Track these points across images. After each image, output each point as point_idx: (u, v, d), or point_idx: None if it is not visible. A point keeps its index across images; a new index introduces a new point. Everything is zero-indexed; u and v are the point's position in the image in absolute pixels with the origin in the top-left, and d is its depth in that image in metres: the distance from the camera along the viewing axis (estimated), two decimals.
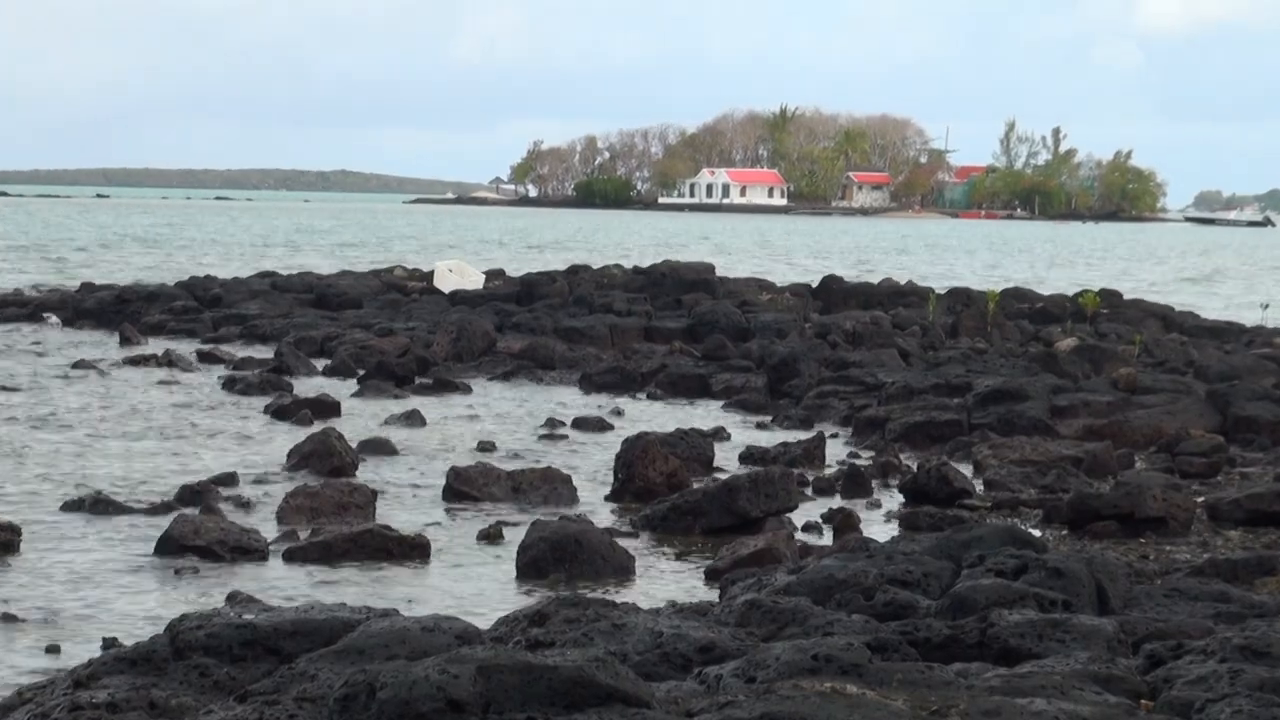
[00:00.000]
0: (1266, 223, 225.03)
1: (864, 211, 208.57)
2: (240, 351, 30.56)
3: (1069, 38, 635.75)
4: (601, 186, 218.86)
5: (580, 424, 22.24)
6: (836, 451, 20.48)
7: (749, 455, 19.60)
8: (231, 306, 37.48)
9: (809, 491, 17.47)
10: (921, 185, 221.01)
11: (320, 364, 28.48)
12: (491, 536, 14.95)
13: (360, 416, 22.40)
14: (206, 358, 29.32)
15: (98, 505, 15.54)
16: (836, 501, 17.07)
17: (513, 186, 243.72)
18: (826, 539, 15.14)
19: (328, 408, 22.35)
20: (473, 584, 13.34)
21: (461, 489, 16.68)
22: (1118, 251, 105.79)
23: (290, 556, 13.89)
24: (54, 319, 36.98)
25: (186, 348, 30.71)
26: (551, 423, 22.14)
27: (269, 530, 14.70)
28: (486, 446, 20.05)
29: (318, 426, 19.77)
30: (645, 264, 44.04)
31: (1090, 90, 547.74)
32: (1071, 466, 18.41)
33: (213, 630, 9.13)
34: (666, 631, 9.00)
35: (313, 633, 9.19)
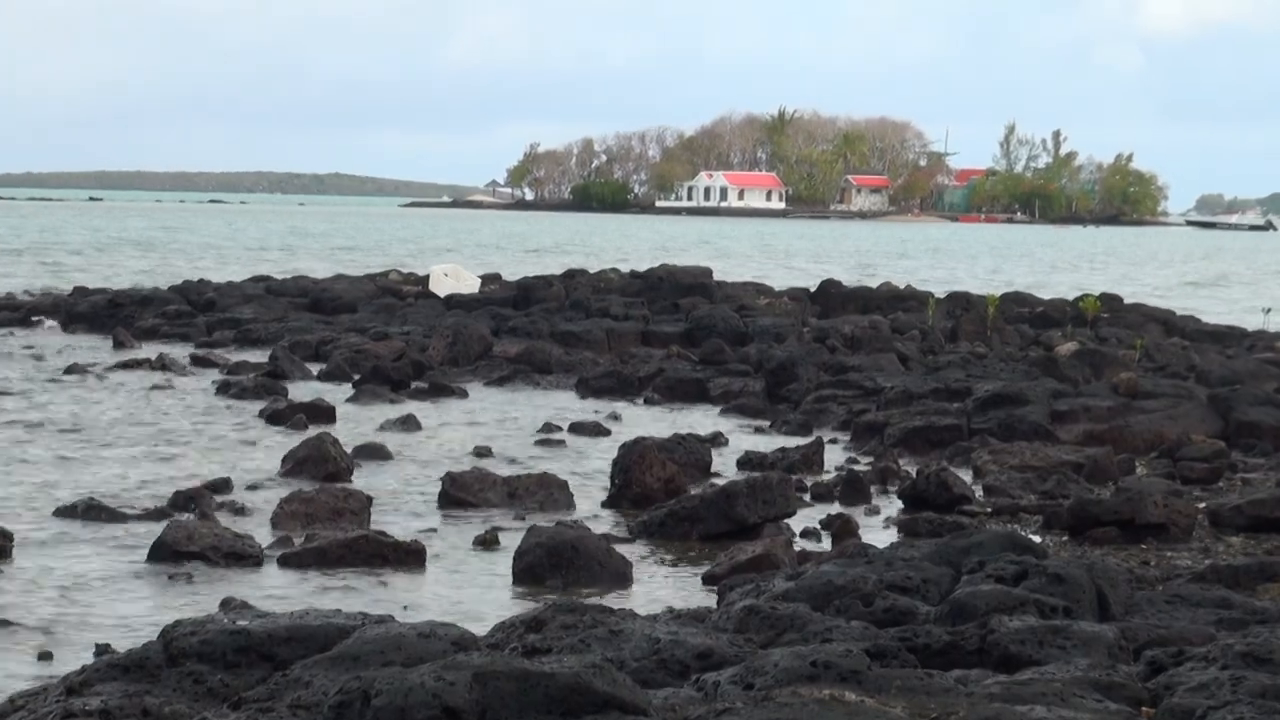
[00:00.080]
0: (1269, 226, 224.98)
1: (862, 215, 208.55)
2: (234, 356, 30.50)
3: (1069, 39, 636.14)
4: (598, 190, 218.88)
5: (577, 429, 22.19)
6: (835, 457, 20.44)
7: (747, 461, 19.55)
8: (225, 311, 37.45)
9: (807, 497, 17.43)
10: (921, 188, 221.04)
11: (315, 368, 28.43)
12: (488, 542, 14.91)
13: (355, 421, 22.35)
14: (200, 362, 29.27)
15: (90, 511, 15.47)
16: (835, 507, 17.01)
17: (509, 190, 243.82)
18: (825, 545, 15.10)
19: (322, 412, 22.28)
20: (469, 590, 13.30)
21: (457, 494, 16.62)
22: (1122, 255, 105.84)
23: (285, 562, 13.85)
24: (50, 323, 36.87)
25: (180, 352, 30.67)
26: (548, 428, 22.09)
27: (263, 536, 14.65)
28: (482, 452, 20.00)
29: (312, 431, 19.73)
30: (642, 268, 43.97)
31: (1091, 93, 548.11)
32: (1072, 472, 18.38)
33: (206, 637, 9.10)
34: (664, 638, 8.96)
35: (307, 639, 9.15)
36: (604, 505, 16.98)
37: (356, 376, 26.75)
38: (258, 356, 30.04)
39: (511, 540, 14.43)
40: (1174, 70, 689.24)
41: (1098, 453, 19.25)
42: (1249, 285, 70.51)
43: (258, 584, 13.16)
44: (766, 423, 23.72)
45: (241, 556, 13.76)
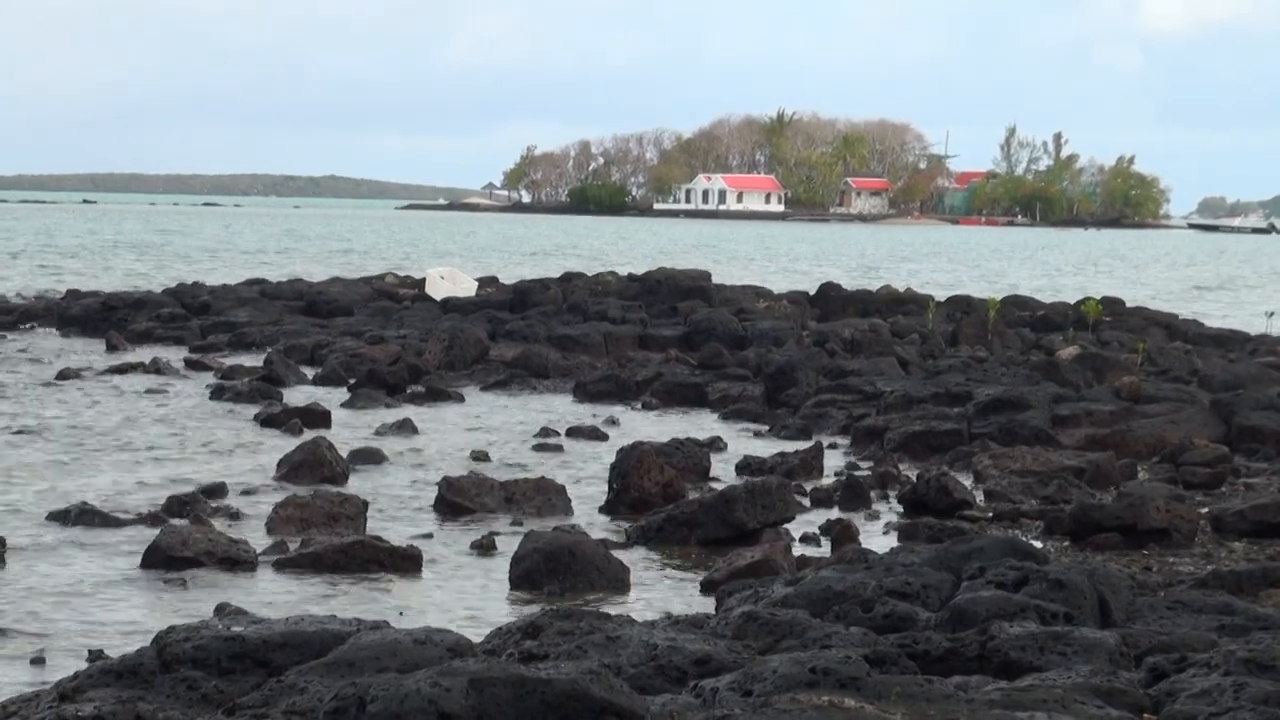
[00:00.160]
0: (1271, 229, 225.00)
1: (862, 218, 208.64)
2: (229, 360, 30.45)
3: (1070, 41, 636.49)
4: (596, 192, 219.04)
5: (574, 433, 22.14)
6: (835, 462, 20.39)
7: (746, 465, 19.50)
8: (220, 314, 37.37)
9: (807, 502, 17.39)
10: (921, 191, 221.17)
11: (310, 372, 28.37)
12: (484, 548, 14.88)
13: (351, 426, 22.29)
14: (195, 366, 29.22)
15: (84, 516, 15.41)
16: (835, 513, 16.98)
17: (506, 192, 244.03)
18: (824, 550, 15.06)
19: (318, 417, 22.22)
20: (465, 596, 13.27)
21: (454, 499, 16.57)
22: (1126, 259, 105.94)
23: (280, 568, 13.82)
24: (46, 330, 36.73)
25: (174, 356, 30.60)
26: (545, 432, 22.04)
27: (258, 541, 14.60)
28: (479, 456, 19.94)
29: (308, 436, 19.69)
30: (640, 271, 43.93)
31: (1092, 95, 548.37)
32: (1073, 477, 18.34)
33: (201, 642, 9.11)
34: (662, 644, 8.95)
35: (302, 645, 9.15)
36: (602, 510, 16.93)
37: (352, 380, 26.68)
38: (252, 360, 29.97)
39: (508, 545, 14.38)
40: (1176, 71, 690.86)
41: (1099, 457, 19.20)
42: (1255, 289, 70.56)
43: (252, 589, 13.12)
44: (765, 427, 23.67)
45: (236, 562, 13.72)
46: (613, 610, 11.73)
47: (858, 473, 19.26)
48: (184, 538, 13.84)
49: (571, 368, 29.05)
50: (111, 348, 32.19)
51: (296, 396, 24.98)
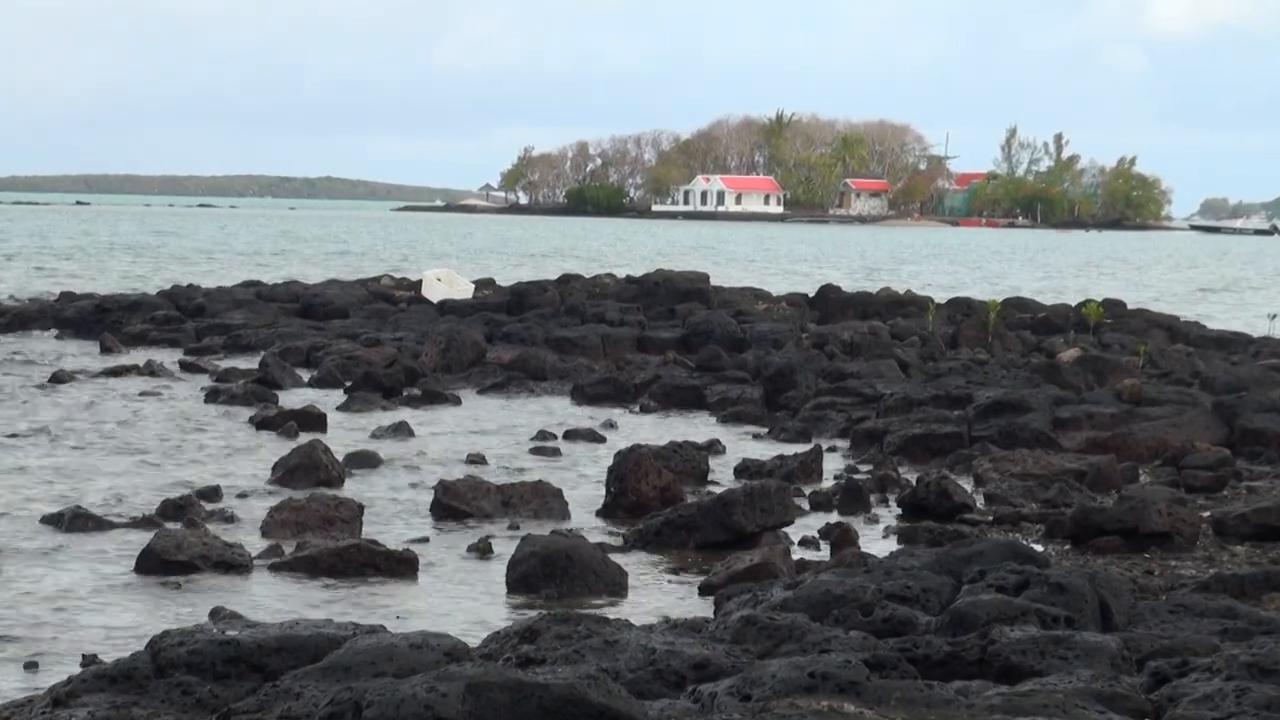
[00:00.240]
0: (1274, 231, 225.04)
1: (862, 219, 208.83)
2: (224, 362, 30.43)
3: (1071, 42, 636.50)
4: (594, 194, 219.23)
5: (572, 436, 22.10)
6: (834, 465, 20.36)
7: (744, 469, 19.46)
8: (215, 316, 37.36)
9: (806, 506, 17.36)
10: (921, 192, 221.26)
11: (306, 375, 28.32)
12: (481, 551, 14.87)
13: (347, 429, 22.26)
14: (190, 368, 29.16)
15: (77, 520, 15.36)
16: (834, 516, 16.94)
17: (503, 194, 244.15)
18: (824, 554, 15.01)
19: (314, 420, 22.18)
20: (462, 600, 13.25)
21: (450, 503, 16.52)
22: (1129, 261, 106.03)
23: (275, 571, 13.80)
24: (41, 333, 36.61)
25: (169, 358, 30.55)
26: (542, 435, 22.00)
27: (253, 545, 14.58)
28: (476, 459, 19.90)
29: (303, 439, 19.65)
30: (638, 273, 43.89)
31: (1093, 95, 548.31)
32: (1074, 480, 18.32)
33: (195, 647, 9.10)
34: (660, 648, 8.93)
35: (298, 650, 9.16)
36: (599, 514, 16.90)
37: (348, 383, 26.65)
38: (248, 363, 29.90)
39: (505, 549, 14.36)
40: (1178, 72, 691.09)
41: (1100, 460, 19.16)
42: (1258, 290, 70.59)
43: (247, 593, 13.10)
44: (764, 430, 23.64)
45: (231, 565, 13.70)
46: (610, 614, 11.71)
47: (857, 476, 19.23)
48: (178, 541, 13.80)
49: (569, 370, 29.01)
50: (106, 350, 32.13)
51: (292, 399, 24.94)
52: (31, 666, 10.79)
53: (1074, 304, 39.77)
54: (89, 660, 10.47)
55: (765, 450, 21.42)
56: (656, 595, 13.55)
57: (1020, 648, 8.98)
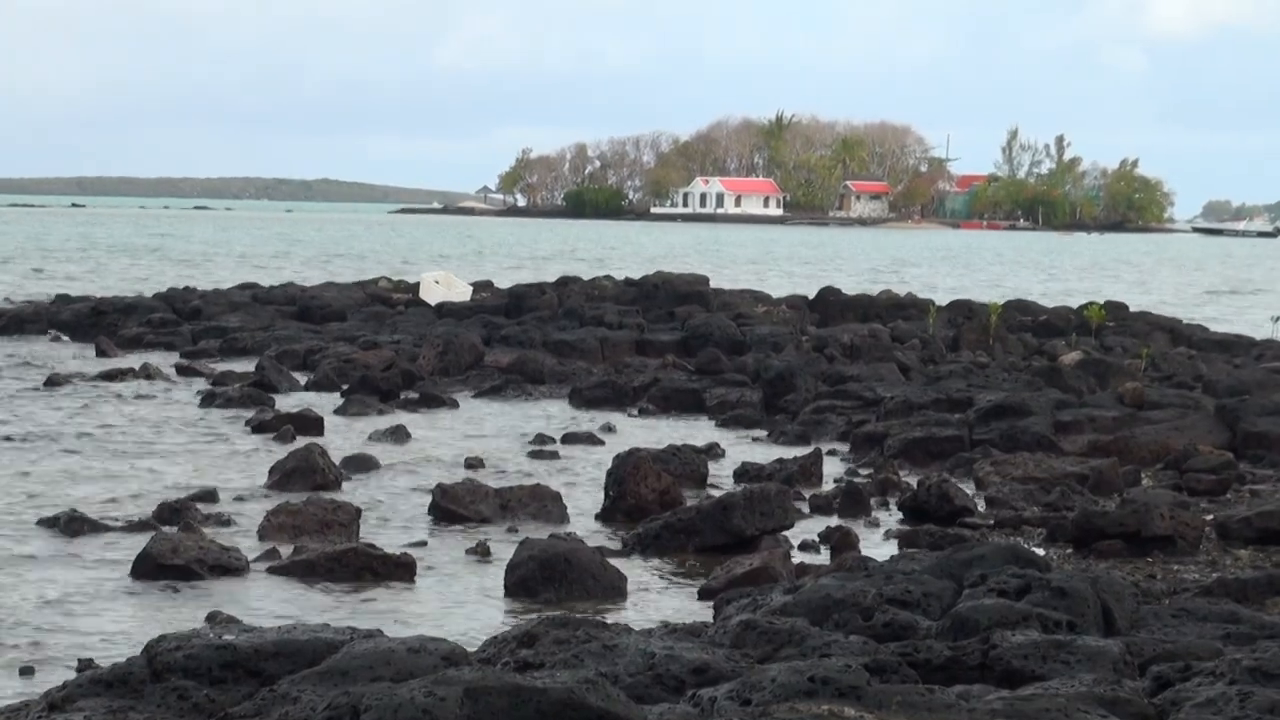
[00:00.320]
0: (1276, 233, 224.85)
1: (862, 221, 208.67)
2: (220, 365, 30.38)
3: (1073, 43, 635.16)
4: (592, 196, 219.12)
5: (570, 440, 22.07)
6: (834, 468, 20.33)
7: (744, 472, 19.42)
8: (211, 319, 37.32)
9: (806, 509, 17.34)
10: (921, 195, 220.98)
11: (303, 378, 28.28)
12: (479, 555, 14.84)
13: (344, 432, 22.23)
14: (186, 371, 29.11)
15: (73, 524, 15.32)
16: (834, 520, 16.90)
17: (501, 196, 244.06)
18: (824, 558, 15.00)
19: (310, 423, 22.13)
20: (460, 604, 13.23)
21: (448, 507, 16.49)
22: (1132, 263, 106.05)
23: (272, 575, 13.76)
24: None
25: (165, 361, 30.47)
26: (541, 439, 21.96)
27: (250, 549, 14.55)
28: (474, 463, 19.86)
29: (300, 442, 19.59)
30: (637, 275, 43.86)
31: (1095, 97, 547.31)
32: (1076, 484, 18.29)
33: (192, 651, 9.10)
34: (659, 653, 8.92)
35: (295, 654, 9.15)
36: (598, 517, 16.87)
37: (345, 386, 26.61)
38: (244, 366, 29.83)
39: (503, 553, 14.34)
40: (1179, 73, 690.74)
41: (1102, 464, 19.12)
42: (1264, 293, 70.56)
43: (244, 597, 13.07)
44: (764, 433, 23.61)
45: (227, 569, 13.69)
46: (609, 618, 11.71)
47: (857, 479, 19.20)
48: (175, 545, 13.77)
49: (567, 373, 28.98)
50: (102, 353, 32.06)
51: (289, 402, 24.90)
52: (27, 671, 10.77)
53: (1076, 307, 39.75)
54: (85, 665, 10.44)
55: (765, 453, 21.39)
56: (655, 599, 13.53)
57: (1022, 652, 8.96)
